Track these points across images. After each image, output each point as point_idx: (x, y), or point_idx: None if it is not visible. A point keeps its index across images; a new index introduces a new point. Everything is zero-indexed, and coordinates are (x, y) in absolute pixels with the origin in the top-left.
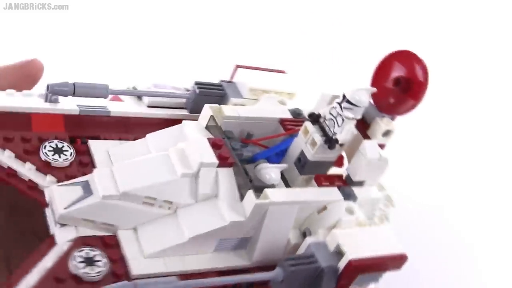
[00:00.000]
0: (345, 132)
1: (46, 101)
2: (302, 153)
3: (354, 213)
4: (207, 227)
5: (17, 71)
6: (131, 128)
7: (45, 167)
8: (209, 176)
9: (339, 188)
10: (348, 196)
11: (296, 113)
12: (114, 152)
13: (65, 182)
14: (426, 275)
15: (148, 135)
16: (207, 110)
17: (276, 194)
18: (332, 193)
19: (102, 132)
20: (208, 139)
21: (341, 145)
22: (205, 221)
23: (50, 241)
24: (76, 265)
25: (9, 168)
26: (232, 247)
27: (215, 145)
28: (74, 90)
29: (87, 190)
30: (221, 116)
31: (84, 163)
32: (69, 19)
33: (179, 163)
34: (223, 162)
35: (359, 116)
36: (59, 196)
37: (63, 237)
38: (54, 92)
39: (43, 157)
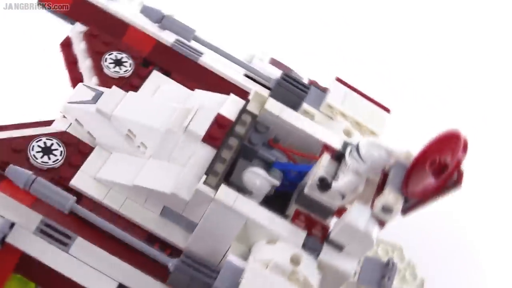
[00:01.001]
0: (344, 181)
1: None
2: (306, 182)
3: (297, 265)
4: (151, 184)
5: None
6: (207, 83)
7: (97, 70)
8: (188, 144)
9: (309, 235)
10: (311, 249)
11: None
12: (162, 88)
13: (91, 85)
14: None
15: (196, 90)
16: (251, 93)
17: (229, 195)
18: (292, 233)
19: (179, 72)
20: (218, 114)
21: (343, 196)
22: (156, 179)
23: (49, 123)
24: (33, 147)
25: (74, 56)
26: (181, 224)
27: (219, 123)
28: (161, 19)
29: (95, 98)
30: (261, 106)
31: (131, 85)
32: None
33: (175, 119)
34: (208, 139)
35: (363, 174)
36: (75, 92)
37: (57, 125)
38: (143, 13)
39: (101, 61)
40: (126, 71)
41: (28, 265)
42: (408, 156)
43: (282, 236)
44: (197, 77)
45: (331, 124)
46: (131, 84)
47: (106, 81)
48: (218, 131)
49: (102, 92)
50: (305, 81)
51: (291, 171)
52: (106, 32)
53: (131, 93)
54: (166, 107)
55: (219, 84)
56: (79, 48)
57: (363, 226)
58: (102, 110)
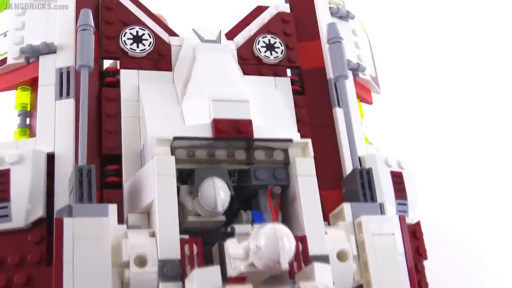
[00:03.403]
0: (236, 246)
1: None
2: None
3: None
4: (148, 117)
5: None
6: (316, 127)
7: (252, 36)
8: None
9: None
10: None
11: None
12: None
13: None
14: None
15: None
16: (303, 140)
17: (167, 166)
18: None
19: (309, 102)
20: (246, 119)
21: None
22: (157, 116)
23: None
24: (127, 35)
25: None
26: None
27: (239, 127)
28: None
29: (211, 41)
30: (297, 156)
31: (258, 71)
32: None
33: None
34: (214, 125)
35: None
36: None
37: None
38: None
39: (259, 36)
40: (266, 57)
41: None
42: None
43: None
44: (316, 116)
45: (340, 233)
46: (259, 71)
47: (245, 47)
48: (230, 130)
49: (218, 44)
50: None
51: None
52: (298, 26)
53: (229, 56)
54: (232, 87)
55: (324, 139)
56: (265, 16)
57: None
58: (196, 48)
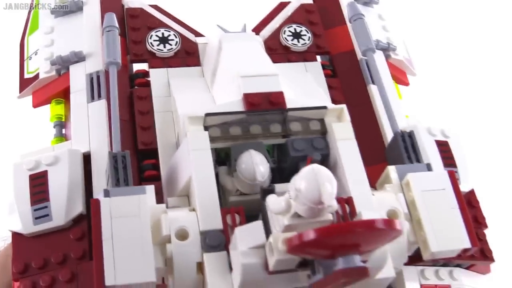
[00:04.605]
0: (275, 199)
1: None
2: None
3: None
4: (179, 101)
5: None
6: (353, 106)
7: (275, 31)
8: (233, 90)
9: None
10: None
11: None
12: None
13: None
14: None
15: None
16: (337, 107)
17: (199, 142)
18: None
19: (342, 83)
20: (278, 92)
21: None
22: (189, 101)
23: None
24: (154, 37)
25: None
26: None
27: (271, 98)
28: (355, 20)
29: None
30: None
31: (288, 59)
32: None
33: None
34: (246, 99)
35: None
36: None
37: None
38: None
39: (285, 26)
40: (293, 45)
41: None
42: None
43: (198, 210)
44: (351, 96)
45: (388, 194)
46: (288, 58)
47: (272, 38)
48: (263, 102)
49: (244, 33)
50: None
51: None
52: (323, 15)
53: (255, 42)
54: (261, 65)
55: (362, 118)
56: (288, 9)
57: None
58: (222, 38)
